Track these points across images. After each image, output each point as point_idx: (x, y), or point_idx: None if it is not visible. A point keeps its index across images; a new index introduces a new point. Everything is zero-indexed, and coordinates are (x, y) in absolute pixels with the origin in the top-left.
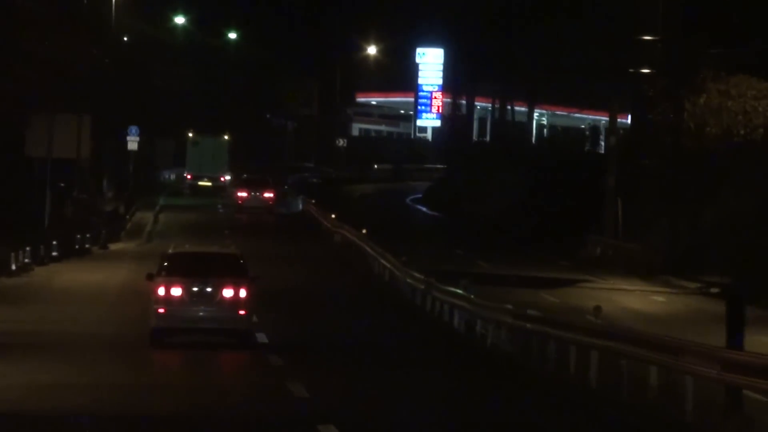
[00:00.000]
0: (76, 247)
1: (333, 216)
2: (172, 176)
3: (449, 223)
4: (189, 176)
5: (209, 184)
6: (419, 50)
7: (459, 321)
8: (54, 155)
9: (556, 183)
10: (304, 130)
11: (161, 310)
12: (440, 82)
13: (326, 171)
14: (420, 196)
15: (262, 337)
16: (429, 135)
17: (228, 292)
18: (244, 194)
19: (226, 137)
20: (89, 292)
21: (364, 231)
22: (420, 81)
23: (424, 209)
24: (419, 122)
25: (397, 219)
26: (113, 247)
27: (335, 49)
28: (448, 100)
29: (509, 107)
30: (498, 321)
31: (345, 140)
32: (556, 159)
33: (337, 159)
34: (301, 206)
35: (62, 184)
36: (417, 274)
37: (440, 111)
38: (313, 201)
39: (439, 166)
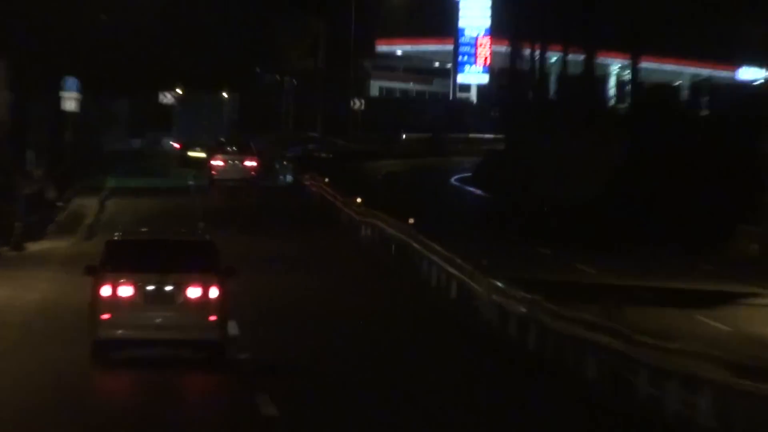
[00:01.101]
0: None
1: (358, 200)
2: (138, 144)
3: (516, 211)
4: (177, 145)
5: (203, 155)
6: None
7: (597, 371)
8: None
9: (671, 156)
10: (306, 89)
11: (105, 316)
12: (488, 24)
13: (337, 142)
14: (468, 175)
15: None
16: (473, 95)
17: (194, 292)
18: (219, 163)
19: (225, 94)
20: None
21: (411, 221)
22: (461, 23)
23: (477, 192)
24: (460, 78)
25: (444, 206)
26: (33, 246)
27: None
28: (500, 48)
29: (584, 58)
30: (695, 378)
31: (362, 101)
32: (661, 123)
33: (352, 127)
34: (290, 178)
35: None
36: (514, 290)
37: (488, 63)
38: (326, 180)
39: (487, 135)
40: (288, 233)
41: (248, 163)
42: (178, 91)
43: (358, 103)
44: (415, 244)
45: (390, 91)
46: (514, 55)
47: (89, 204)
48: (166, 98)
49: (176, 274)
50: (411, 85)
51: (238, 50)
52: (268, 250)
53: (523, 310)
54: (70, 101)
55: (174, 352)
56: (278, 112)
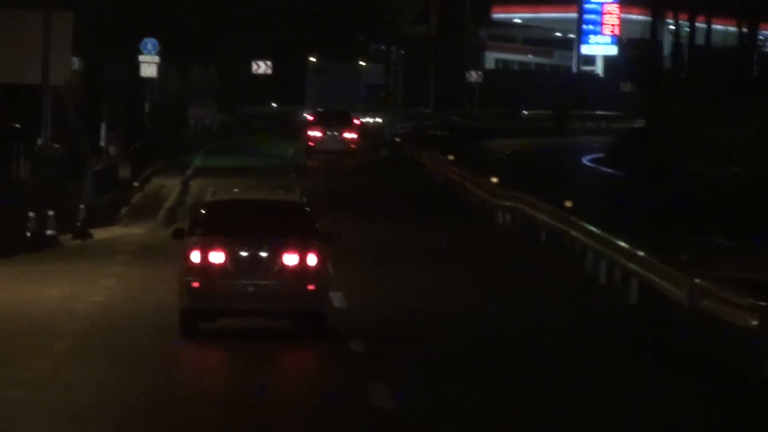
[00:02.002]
0: (28, 234)
1: (494, 180)
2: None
3: (667, 194)
4: (311, 117)
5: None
6: None
7: None
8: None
9: None
10: (415, 60)
11: (195, 284)
12: None
13: (452, 118)
14: (601, 155)
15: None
16: (599, 68)
17: (291, 258)
18: (317, 134)
19: (362, 63)
20: (20, 330)
21: (568, 204)
22: None
23: (618, 174)
24: (584, 49)
25: (583, 189)
26: (102, 234)
27: None
28: (629, 16)
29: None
30: None
31: (479, 74)
32: None
33: (467, 101)
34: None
35: (17, 126)
36: (737, 294)
37: (616, 32)
38: (451, 157)
39: (613, 113)
40: (409, 219)
41: (348, 135)
42: (312, 59)
43: (475, 76)
44: (576, 233)
45: (507, 63)
46: (655, 24)
47: (171, 185)
48: (260, 68)
49: (272, 238)
50: (529, 57)
51: (339, 14)
52: (387, 240)
53: (755, 323)
54: (149, 66)
55: (270, 323)
56: (384, 85)
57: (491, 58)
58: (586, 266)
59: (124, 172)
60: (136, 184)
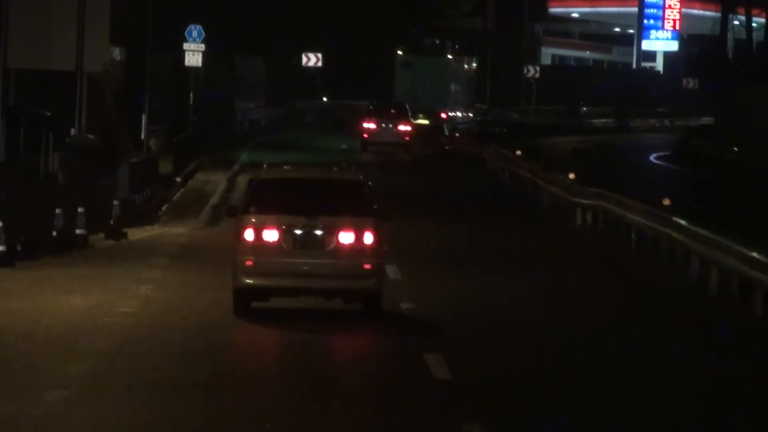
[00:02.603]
0: (54, 233)
1: (571, 176)
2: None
3: (745, 192)
4: (444, 115)
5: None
6: None
7: None
8: (35, 65)
9: None
10: (470, 54)
11: (249, 263)
12: None
13: (509, 114)
14: (667, 153)
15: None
16: (659, 64)
17: (347, 237)
18: (371, 126)
19: (449, 56)
20: (34, 349)
21: (666, 202)
22: None
23: (688, 172)
24: (645, 44)
25: (656, 186)
26: (138, 233)
27: None
28: (691, 10)
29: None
30: None
31: (537, 69)
32: None
33: (524, 97)
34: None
35: (47, 114)
36: None
37: (677, 27)
38: (519, 152)
39: (676, 110)
40: (477, 219)
41: (402, 128)
42: (399, 52)
43: (532, 71)
44: (678, 235)
45: (564, 59)
46: (726, 18)
47: (216, 181)
48: (310, 60)
49: (327, 216)
50: (587, 53)
51: (391, 4)
52: (457, 243)
53: None
54: (194, 55)
55: (323, 302)
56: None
57: (547, 53)
58: (692, 271)
59: (166, 167)
60: (178, 179)
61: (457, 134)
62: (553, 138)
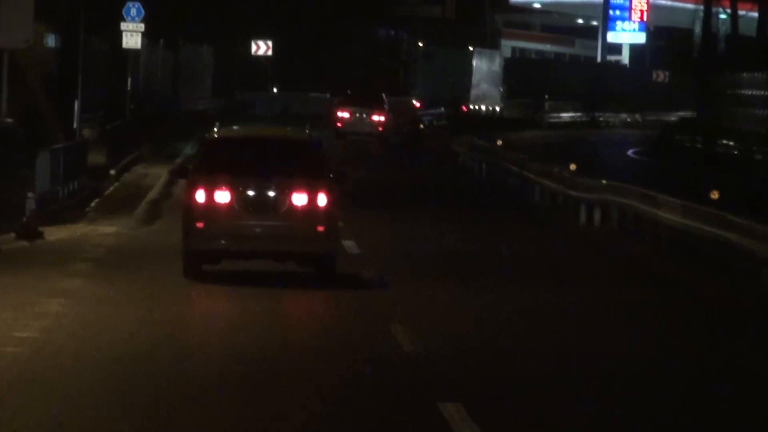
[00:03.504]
0: None
1: (572, 167)
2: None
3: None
4: (418, 104)
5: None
6: None
7: None
8: None
9: None
10: (427, 44)
11: (200, 225)
12: None
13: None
14: (644, 148)
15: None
16: (625, 57)
17: (300, 198)
18: (345, 115)
19: (470, 48)
20: None
21: (714, 195)
22: None
23: (674, 167)
24: (611, 37)
25: (646, 182)
26: (57, 233)
27: None
28: (661, 1)
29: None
30: None
31: (501, 60)
32: None
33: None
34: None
35: None
36: None
37: (645, 18)
38: (500, 142)
39: (644, 104)
40: (461, 219)
41: (376, 118)
42: (420, 44)
43: (496, 62)
44: (736, 237)
45: (524, 52)
46: (709, 8)
47: (155, 174)
48: (260, 48)
49: (280, 177)
50: (548, 47)
51: None
52: (443, 247)
53: None
54: (132, 36)
55: (276, 265)
56: (394, 70)
57: (507, 46)
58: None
59: (100, 159)
60: (112, 172)
61: (421, 126)
62: (521, 132)
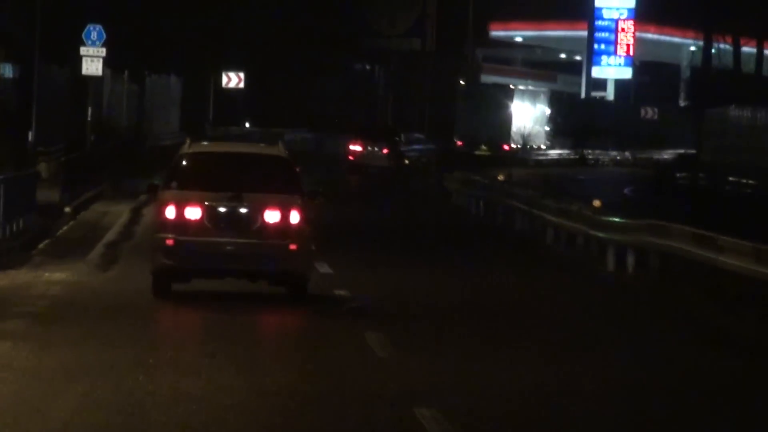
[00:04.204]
0: None
1: (596, 203)
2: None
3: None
4: (459, 143)
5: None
6: None
7: None
8: None
9: None
10: (407, 79)
11: (170, 242)
12: (632, 4)
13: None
14: (641, 187)
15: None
16: (610, 93)
17: (272, 215)
18: (357, 148)
19: (511, 86)
20: None
21: None
22: (598, 3)
23: (685, 207)
24: (596, 72)
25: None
26: None
27: None
28: (647, 35)
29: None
30: None
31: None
32: None
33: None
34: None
35: None
36: None
37: (631, 53)
38: (501, 177)
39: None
40: (465, 265)
41: (385, 151)
42: (461, 82)
43: None
44: None
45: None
46: (709, 44)
47: (116, 212)
48: (231, 81)
49: (252, 194)
50: (529, 82)
51: (318, 18)
52: (453, 297)
53: None
54: (93, 62)
55: (247, 283)
56: (371, 105)
57: (487, 81)
58: None
59: (55, 196)
60: (67, 209)
61: (406, 161)
62: (508, 170)
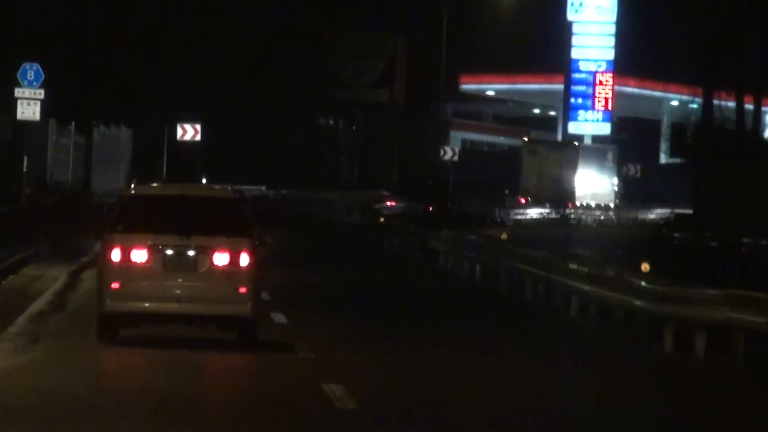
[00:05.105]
0: None
1: (645, 266)
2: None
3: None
4: (523, 200)
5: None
6: None
7: None
8: None
9: None
10: (375, 133)
11: (115, 285)
12: (611, 56)
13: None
14: (633, 249)
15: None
16: None
17: (221, 258)
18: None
19: (576, 143)
20: None
21: None
22: (574, 54)
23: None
24: (572, 127)
25: None
26: None
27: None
28: (627, 89)
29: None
30: None
31: (455, 151)
32: None
33: (441, 184)
34: None
35: None
36: None
37: (609, 107)
38: (504, 236)
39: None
40: (464, 342)
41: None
42: (525, 138)
43: (450, 153)
44: None
45: (475, 144)
46: (708, 104)
47: (51, 276)
48: (187, 133)
49: (201, 236)
50: (501, 139)
51: (284, 71)
52: (463, 391)
53: None
54: (29, 106)
55: (197, 329)
56: (336, 162)
57: (456, 138)
58: None
59: None
60: None
61: (382, 219)
62: (481, 231)
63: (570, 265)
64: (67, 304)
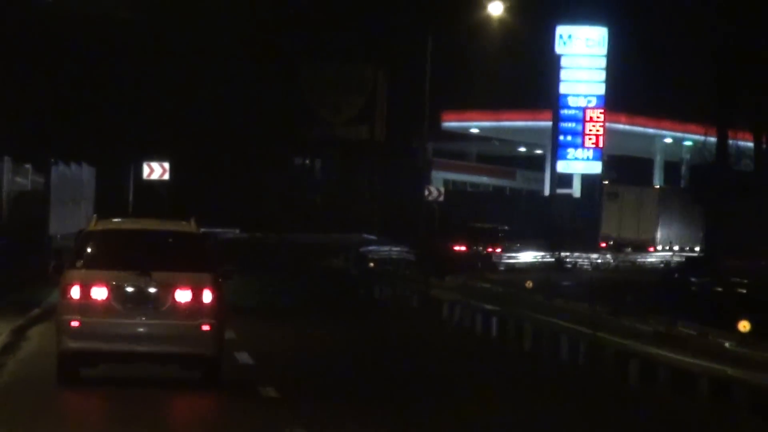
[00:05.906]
0: None
1: (744, 325)
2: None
3: None
4: (603, 244)
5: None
6: (561, 30)
7: None
8: None
9: None
10: (353, 173)
11: (75, 323)
12: (601, 91)
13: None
14: (636, 296)
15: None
16: (576, 189)
17: (184, 295)
18: (462, 249)
19: (657, 186)
20: None
21: None
22: (563, 89)
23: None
24: (561, 166)
25: None
26: None
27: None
28: (618, 125)
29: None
30: None
31: (441, 191)
32: None
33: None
34: None
35: None
36: None
37: (600, 145)
38: (530, 284)
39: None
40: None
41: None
42: (605, 182)
43: (436, 193)
44: None
45: (458, 185)
46: (722, 143)
47: None
48: (154, 171)
49: (162, 272)
50: (484, 179)
51: (257, 108)
52: None
53: None
54: None
55: (158, 368)
56: (311, 202)
57: (438, 178)
58: None
59: None
60: None
61: (371, 264)
62: (490, 275)
63: (622, 321)
64: (9, 366)
